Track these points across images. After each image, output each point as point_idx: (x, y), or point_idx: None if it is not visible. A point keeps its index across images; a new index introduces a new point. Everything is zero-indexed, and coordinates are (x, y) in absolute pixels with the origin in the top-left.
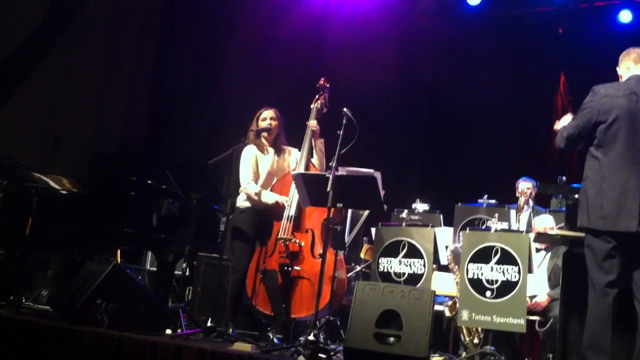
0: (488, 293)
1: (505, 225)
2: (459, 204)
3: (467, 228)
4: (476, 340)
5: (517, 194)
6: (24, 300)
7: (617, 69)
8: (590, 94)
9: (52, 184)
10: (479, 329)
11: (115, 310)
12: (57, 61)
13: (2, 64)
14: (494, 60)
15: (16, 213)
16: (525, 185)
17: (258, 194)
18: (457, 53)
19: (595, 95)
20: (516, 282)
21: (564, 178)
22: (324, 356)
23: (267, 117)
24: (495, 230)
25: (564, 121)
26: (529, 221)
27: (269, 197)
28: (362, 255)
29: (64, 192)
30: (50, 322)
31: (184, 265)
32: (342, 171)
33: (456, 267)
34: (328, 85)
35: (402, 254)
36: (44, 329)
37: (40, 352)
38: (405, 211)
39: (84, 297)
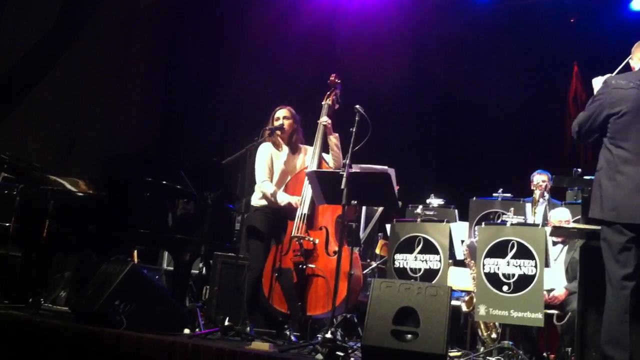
0: (505, 287)
1: (520, 219)
2: (474, 198)
3: (483, 222)
4: (494, 335)
5: (532, 187)
6: (42, 302)
7: (630, 60)
8: (602, 85)
9: (69, 186)
10: (497, 324)
11: (134, 311)
12: (71, 65)
13: (12, 71)
14: (506, 52)
15: (33, 215)
16: (540, 178)
17: (273, 194)
18: (468, 46)
19: (607, 87)
20: (533, 276)
21: (579, 170)
22: (341, 354)
23: (280, 117)
24: (511, 224)
25: (597, 81)
26: (545, 214)
27: (282, 198)
28: (377, 251)
29: (81, 194)
30: (69, 323)
31: (201, 264)
32: (355, 168)
33: (472, 262)
34: (339, 82)
35: (417, 249)
36: (63, 330)
37: (60, 353)
38: (420, 206)
39: (102, 298)
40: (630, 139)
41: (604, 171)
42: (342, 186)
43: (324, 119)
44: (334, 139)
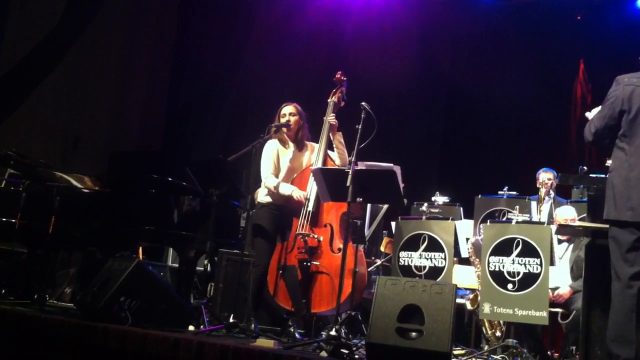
0: (510, 286)
1: (526, 217)
2: (479, 196)
3: (488, 220)
4: (498, 333)
5: (537, 185)
6: (47, 298)
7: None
8: (614, 84)
9: (74, 182)
10: (501, 322)
11: (138, 307)
12: (76, 62)
13: (16, 68)
14: (512, 50)
15: (39, 212)
16: (545, 176)
17: (277, 187)
18: (474, 44)
19: (619, 85)
20: (538, 274)
21: (584, 168)
22: (346, 351)
23: (286, 114)
24: (516, 222)
25: (595, 111)
26: (550, 212)
27: (286, 189)
28: (382, 249)
29: (86, 190)
30: (74, 320)
31: (206, 261)
32: (361, 166)
33: (477, 259)
34: (345, 79)
35: (422, 247)
36: (68, 327)
37: (65, 349)
38: (425, 204)
39: (108, 295)
40: None
41: (617, 171)
42: (348, 184)
43: (331, 117)
44: (338, 137)
